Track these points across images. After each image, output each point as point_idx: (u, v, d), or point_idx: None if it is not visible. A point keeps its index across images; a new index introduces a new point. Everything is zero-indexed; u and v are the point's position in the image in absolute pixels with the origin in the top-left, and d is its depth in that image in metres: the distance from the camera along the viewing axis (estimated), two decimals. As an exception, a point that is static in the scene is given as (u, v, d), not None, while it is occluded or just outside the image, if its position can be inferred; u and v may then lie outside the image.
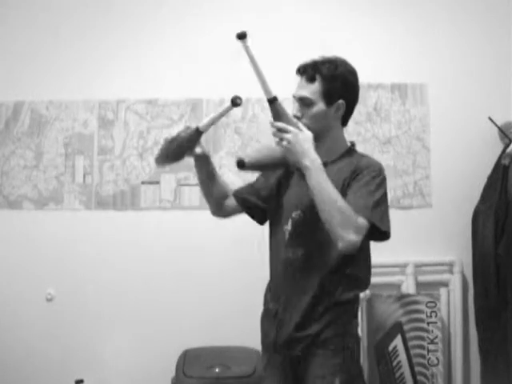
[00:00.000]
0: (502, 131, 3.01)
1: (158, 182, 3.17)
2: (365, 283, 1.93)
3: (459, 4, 3.22)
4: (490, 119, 3.06)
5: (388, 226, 1.80)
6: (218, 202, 2.07)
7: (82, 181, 3.19)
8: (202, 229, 3.10)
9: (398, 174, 3.13)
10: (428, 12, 3.21)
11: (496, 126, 3.04)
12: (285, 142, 1.74)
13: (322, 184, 1.72)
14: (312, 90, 1.85)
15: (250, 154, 1.97)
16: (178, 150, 1.95)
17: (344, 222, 1.68)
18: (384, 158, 3.13)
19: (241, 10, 3.25)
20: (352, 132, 3.08)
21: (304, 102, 1.87)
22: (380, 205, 1.78)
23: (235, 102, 1.85)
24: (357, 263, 1.86)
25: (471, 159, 3.11)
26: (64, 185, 3.19)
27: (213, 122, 1.96)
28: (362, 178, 1.80)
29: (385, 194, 1.83)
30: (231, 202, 2.07)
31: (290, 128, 1.76)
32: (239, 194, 2.07)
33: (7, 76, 3.27)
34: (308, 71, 1.87)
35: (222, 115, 1.95)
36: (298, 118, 1.87)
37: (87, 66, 3.24)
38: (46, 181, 3.20)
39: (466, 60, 3.19)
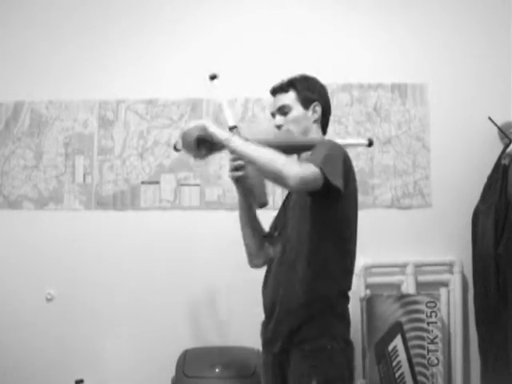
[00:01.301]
0: (502, 131, 3.01)
1: (157, 182, 3.17)
2: (341, 281, 1.91)
3: (459, 4, 3.22)
4: (490, 119, 3.06)
5: (336, 180, 1.75)
6: (258, 248, 2.11)
7: (82, 181, 3.19)
8: (202, 229, 3.10)
9: (397, 174, 3.13)
10: (428, 12, 3.21)
11: (496, 126, 3.04)
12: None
13: (250, 145, 1.78)
14: (288, 98, 2.01)
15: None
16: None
17: (286, 162, 1.71)
18: (384, 158, 3.13)
19: (240, 10, 3.25)
20: (352, 132, 3.08)
21: (283, 111, 2.00)
22: (330, 160, 1.77)
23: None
24: (327, 258, 1.86)
25: (471, 159, 3.11)
26: (64, 185, 3.19)
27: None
28: (315, 147, 1.85)
29: (336, 157, 1.81)
30: (266, 248, 2.11)
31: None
32: (269, 234, 2.13)
33: (7, 76, 3.27)
34: (282, 86, 2.03)
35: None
36: (280, 127, 1.97)
37: (87, 66, 3.24)
38: (46, 181, 3.20)
39: (466, 60, 3.19)
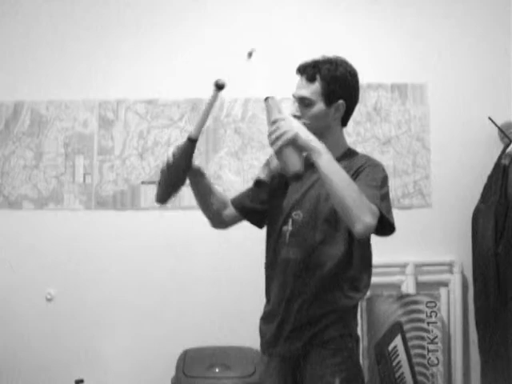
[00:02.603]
0: (502, 131, 3.01)
1: (158, 182, 3.16)
2: (364, 287, 1.89)
3: (459, 4, 3.22)
4: (490, 119, 3.05)
5: (393, 220, 1.76)
6: (218, 213, 2.05)
7: (82, 181, 3.19)
8: (202, 229, 3.09)
9: (397, 174, 3.13)
10: (428, 12, 3.21)
11: (496, 126, 3.04)
12: (283, 135, 1.65)
13: (335, 167, 1.66)
14: (312, 90, 1.84)
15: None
16: (177, 171, 1.86)
17: (360, 204, 1.62)
18: (384, 158, 3.13)
19: (240, 10, 3.25)
20: (352, 132, 3.08)
21: (304, 102, 1.85)
22: (386, 199, 1.77)
23: (219, 85, 1.74)
24: (356, 266, 1.83)
25: (471, 159, 3.11)
26: (64, 185, 3.19)
27: (203, 123, 1.84)
28: (368, 173, 1.79)
29: (389, 192, 1.82)
30: (229, 211, 2.06)
31: (279, 117, 1.69)
32: (237, 201, 2.06)
33: (7, 76, 3.27)
34: (308, 71, 1.86)
35: (208, 110, 1.81)
36: (298, 118, 1.87)
37: (87, 66, 3.24)
38: (46, 181, 3.20)
39: (465, 60, 3.19)
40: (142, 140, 3.20)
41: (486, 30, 3.19)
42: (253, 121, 3.17)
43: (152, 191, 3.16)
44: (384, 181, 1.81)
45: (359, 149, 3.05)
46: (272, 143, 1.67)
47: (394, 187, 3.12)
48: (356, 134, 3.10)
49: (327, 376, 1.78)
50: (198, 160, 3.15)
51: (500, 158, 2.93)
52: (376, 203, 1.69)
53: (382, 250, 2.66)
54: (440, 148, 3.13)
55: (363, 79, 3.23)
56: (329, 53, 1.91)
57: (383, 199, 1.74)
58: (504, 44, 3.16)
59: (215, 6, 3.26)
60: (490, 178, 2.98)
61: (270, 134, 1.68)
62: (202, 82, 3.18)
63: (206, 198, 2.03)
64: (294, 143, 1.66)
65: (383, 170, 1.85)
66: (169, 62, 3.23)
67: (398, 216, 3.04)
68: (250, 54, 1.88)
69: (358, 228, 1.62)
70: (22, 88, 3.25)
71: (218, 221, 2.08)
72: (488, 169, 2.99)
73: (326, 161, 1.65)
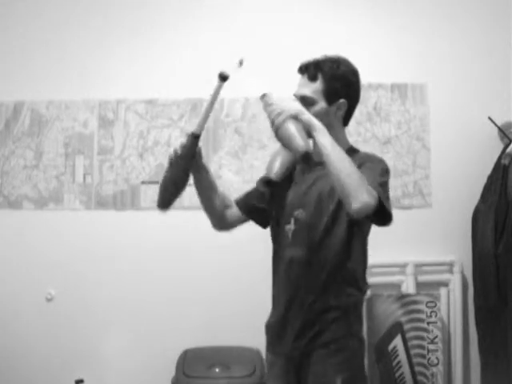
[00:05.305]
0: (502, 131, 3.01)
1: (157, 182, 3.15)
2: (363, 285, 1.89)
3: (459, 4, 3.22)
4: (490, 119, 3.05)
5: (390, 209, 1.72)
6: (220, 213, 2.03)
7: (82, 181, 3.19)
8: (202, 228, 3.09)
9: (397, 174, 3.13)
10: (428, 12, 3.21)
11: (496, 126, 3.04)
12: (285, 111, 1.68)
13: (336, 146, 1.67)
14: (313, 88, 1.85)
15: (275, 171, 1.92)
16: (179, 169, 1.86)
17: (359, 183, 1.61)
18: (384, 158, 3.12)
19: (240, 10, 3.25)
20: (352, 132, 3.08)
21: (305, 101, 1.84)
22: (384, 187, 1.74)
23: (223, 76, 1.75)
24: (354, 260, 1.83)
25: (471, 159, 3.11)
26: (64, 185, 3.19)
27: (206, 118, 1.83)
28: (367, 164, 1.78)
29: (388, 183, 1.79)
30: (232, 211, 2.04)
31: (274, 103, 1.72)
32: (241, 201, 2.05)
33: (7, 76, 3.27)
34: (310, 70, 1.86)
35: (212, 103, 1.80)
36: None
37: (87, 66, 3.24)
38: (46, 181, 3.20)
39: (465, 60, 3.19)
40: (142, 140, 3.20)
41: (486, 30, 3.19)
42: (253, 120, 3.17)
43: (152, 191, 3.17)
44: (384, 171, 1.80)
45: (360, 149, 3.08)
46: (273, 122, 1.68)
47: (394, 187, 3.12)
48: (357, 134, 3.10)
49: (329, 375, 1.77)
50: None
51: (500, 157, 2.93)
52: (374, 187, 1.66)
53: (382, 249, 2.66)
54: (440, 148, 3.13)
55: (363, 79, 3.24)
56: (328, 52, 1.91)
57: (382, 186, 1.72)
58: (504, 44, 3.15)
59: (215, 5, 3.26)
60: (490, 177, 2.98)
61: (269, 114, 1.70)
62: (202, 82, 3.20)
63: (209, 195, 2.01)
64: (296, 118, 1.67)
65: (385, 163, 1.85)
66: (169, 61, 3.24)
67: (398, 216, 3.04)
68: (240, 63, 1.90)
69: (355, 206, 1.60)
70: (22, 88, 3.25)
71: (221, 221, 2.05)
72: (488, 169, 2.99)
73: (327, 139, 1.66)
